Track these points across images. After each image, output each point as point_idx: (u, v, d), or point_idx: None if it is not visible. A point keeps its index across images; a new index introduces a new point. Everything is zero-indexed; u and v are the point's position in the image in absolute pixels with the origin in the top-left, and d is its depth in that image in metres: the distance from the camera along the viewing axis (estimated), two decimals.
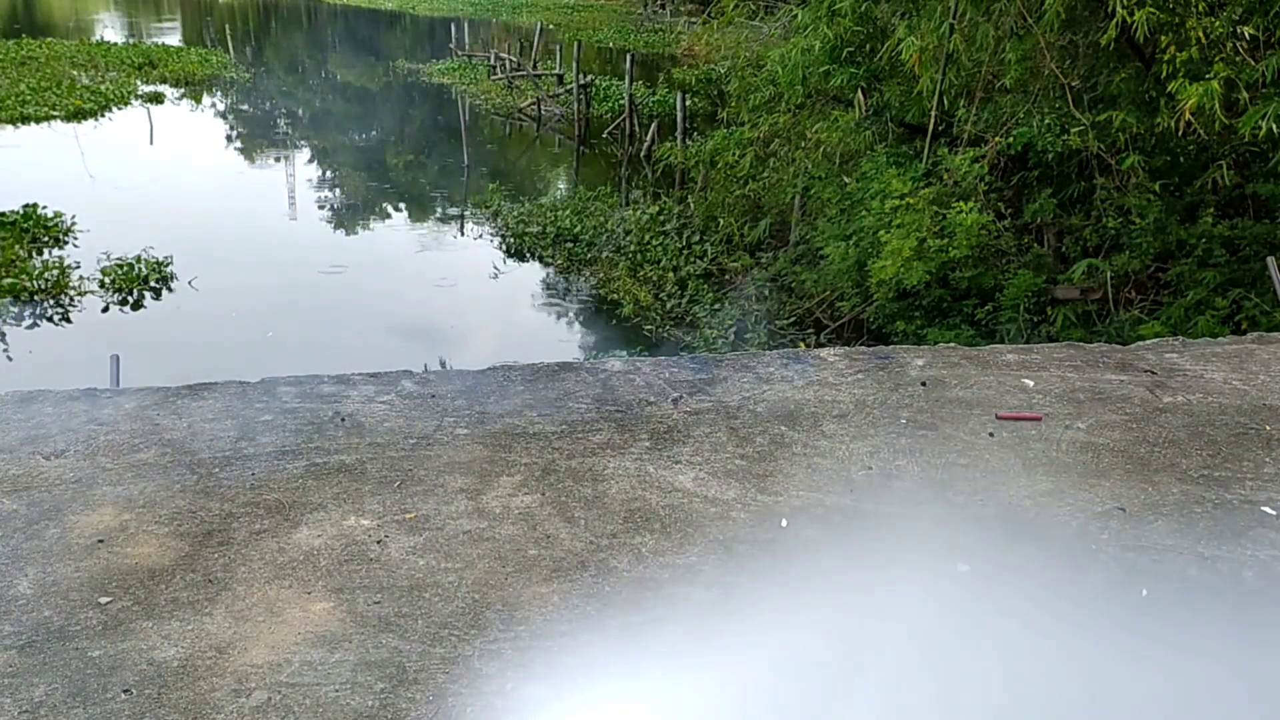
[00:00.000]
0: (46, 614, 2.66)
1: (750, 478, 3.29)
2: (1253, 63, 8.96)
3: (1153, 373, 3.93)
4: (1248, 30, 8.84)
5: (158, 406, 3.73)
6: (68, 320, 13.40)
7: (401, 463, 3.38)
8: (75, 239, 16.22)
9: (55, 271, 14.25)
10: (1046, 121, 10.74)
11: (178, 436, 3.52)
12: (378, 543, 2.98)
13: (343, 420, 3.62)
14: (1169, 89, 9.14)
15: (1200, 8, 8.88)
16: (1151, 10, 8.97)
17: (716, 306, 13.26)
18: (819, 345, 12.19)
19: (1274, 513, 3.05)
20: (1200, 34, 8.89)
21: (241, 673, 2.47)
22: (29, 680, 2.43)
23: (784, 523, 3.05)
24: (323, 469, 3.34)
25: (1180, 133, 9.36)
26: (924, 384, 3.83)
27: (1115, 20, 9.22)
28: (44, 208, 16.68)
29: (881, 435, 3.52)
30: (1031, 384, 3.78)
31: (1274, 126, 8.59)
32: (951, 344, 4.21)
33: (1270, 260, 5.34)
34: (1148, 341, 4.24)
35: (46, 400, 3.76)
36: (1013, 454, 3.41)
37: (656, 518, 3.09)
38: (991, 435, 3.52)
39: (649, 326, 13.14)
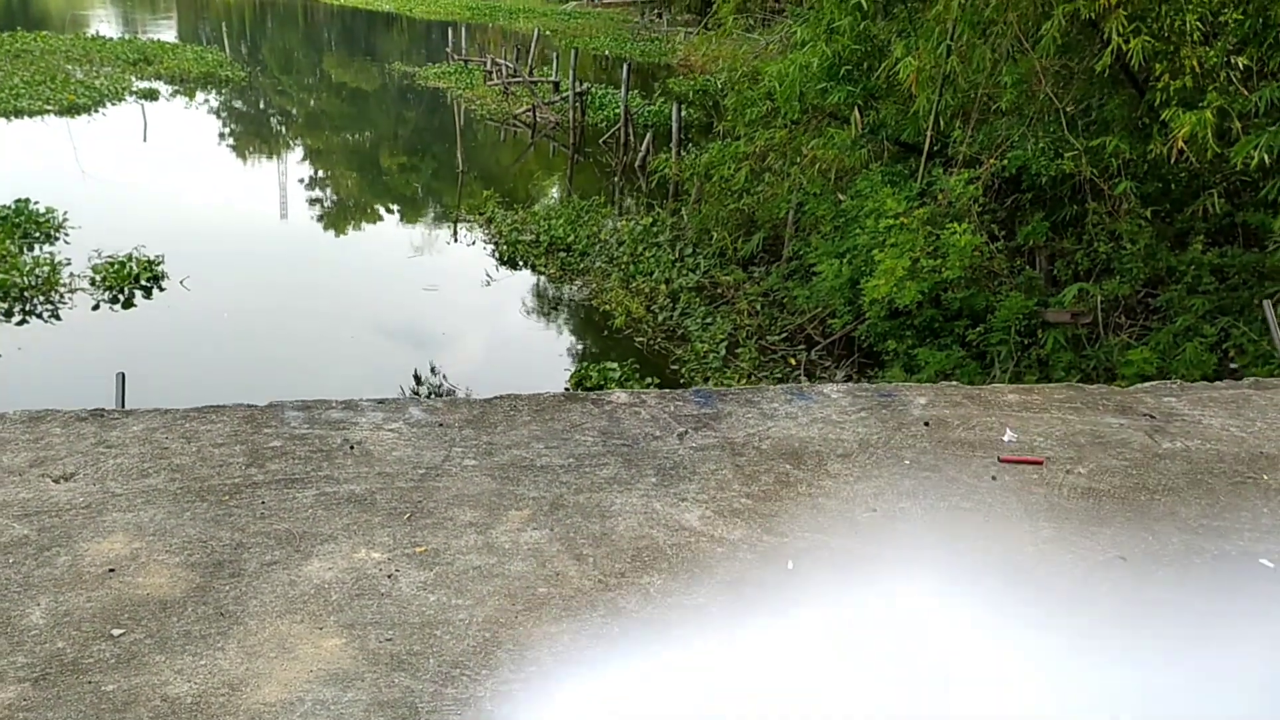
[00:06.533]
0: (60, 645, 2.67)
1: (756, 517, 3.33)
2: (1246, 93, 9.08)
3: (1151, 416, 3.99)
4: (1241, 60, 8.97)
5: (166, 429, 3.74)
6: (57, 317, 13.38)
7: (411, 494, 3.40)
8: (67, 235, 16.20)
9: (46, 268, 14.24)
10: (1041, 145, 10.86)
11: (186, 462, 3.54)
12: (389, 577, 3.00)
13: (352, 448, 3.64)
14: (1162, 116, 9.27)
15: (1195, 37, 8.99)
16: (1146, 39, 9.09)
17: (708, 320, 13.32)
18: (810, 361, 12.25)
19: (1272, 565, 3.11)
20: (1194, 63, 9.01)
21: (254, 711, 2.49)
22: (43, 715, 2.44)
23: (790, 564, 3.08)
24: (332, 498, 3.36)
25: (1172, 160, 9.49)
26: (927, 424, 3.88)
27: (1110, 47, 9.34)
28: (36, 203, 16.64)
29: (885, 476, 3.56)
30: (1016, 437, 3.83)
31: (1266, 156, 8.71)
32: (954, 382, 4.26)
33: (1266, 303, 5.41)
34: (1146, 384, 4.30)
35: (55, 420, 3.77)
36: (1015, 498, 3.45)
37: (664, 557, 3.12)
38: (994, 479, 3.56)
39: (640, 338, 13.18)
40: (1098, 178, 10.46)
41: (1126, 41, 9.14)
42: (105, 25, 46.53)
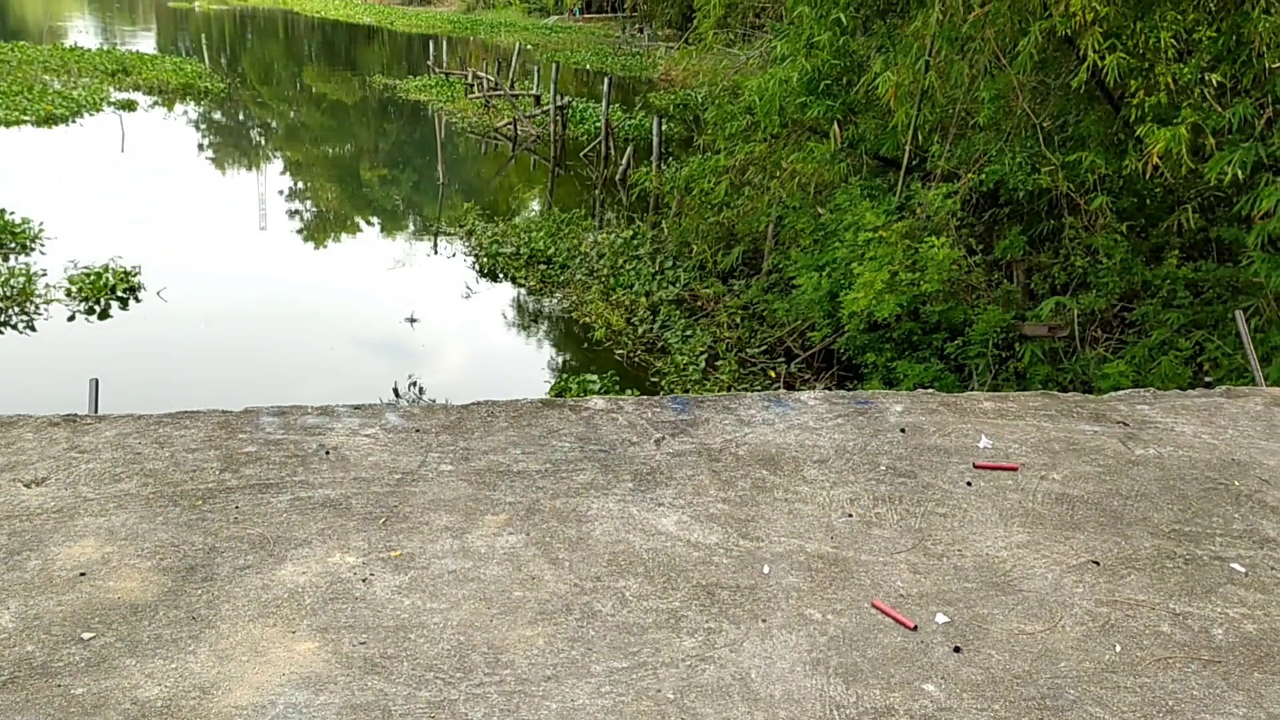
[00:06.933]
0: (29, 649, 2.64)
1: (732, 522, 3.33)
2: (1219, 109, 9.18)
3: (1125, 424, 4.02)
4: (1215, 77, 9.07)
5: (139, 434, 3.72)
6: (32, 328, 13.26)
7: (386, 498, 3.39)
8: (43, 246, 16.06)
9: (21, 278, 14.11)
10: (1018, 160, 10.94)
11: (160, 466, 3.51)
12: (363, 581, 2.98)
13: (327, 453, 3.63)
14: (1137, 132, 9.36)
15: (1169, 54, 9.08)
16: (1122, 55, 9.19)
17: (688, 333, 13.33)
18: (789, 374, 12.28)
19: (1243, 570, 3.13)
20: (1169, 80, 9.11)
21: (225, 714, 2.47)
22: (12, 718, 2.42)
23: (766, 569, 3.09)
24: (307, 503, 3.34)
25: (1147, 175, 9.58)
26: (903, 430, 3.89)
27: (1086, 64, 9.44)
28: (11, 213, 16.50)
29: (861, 482, 3.57)
30: (991, 443, 3.85)
31: (1239, 172, 8.80)
32: (930, 390, 4.28)
33: (1238, 314, 5.46)
34: (1121, 392, 4.33)
35: (26, 426, 3.73)
36: (990, 504, 3.47)
37: (640, 561, 3.12)
38: (969, 484, 3.58)
39: (620, 351, 13.17)
40: (1074, 192, 10.55)
41: (1102, 58, 9.24)
42: (83, 36, 46.35)
